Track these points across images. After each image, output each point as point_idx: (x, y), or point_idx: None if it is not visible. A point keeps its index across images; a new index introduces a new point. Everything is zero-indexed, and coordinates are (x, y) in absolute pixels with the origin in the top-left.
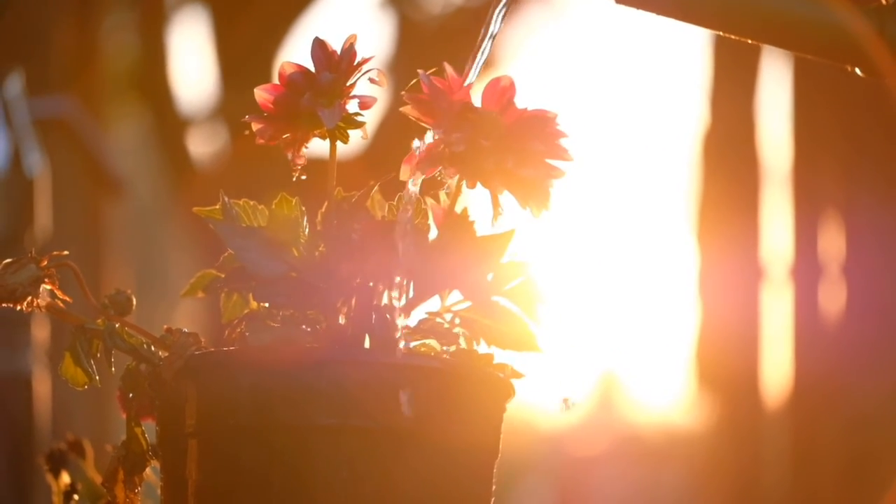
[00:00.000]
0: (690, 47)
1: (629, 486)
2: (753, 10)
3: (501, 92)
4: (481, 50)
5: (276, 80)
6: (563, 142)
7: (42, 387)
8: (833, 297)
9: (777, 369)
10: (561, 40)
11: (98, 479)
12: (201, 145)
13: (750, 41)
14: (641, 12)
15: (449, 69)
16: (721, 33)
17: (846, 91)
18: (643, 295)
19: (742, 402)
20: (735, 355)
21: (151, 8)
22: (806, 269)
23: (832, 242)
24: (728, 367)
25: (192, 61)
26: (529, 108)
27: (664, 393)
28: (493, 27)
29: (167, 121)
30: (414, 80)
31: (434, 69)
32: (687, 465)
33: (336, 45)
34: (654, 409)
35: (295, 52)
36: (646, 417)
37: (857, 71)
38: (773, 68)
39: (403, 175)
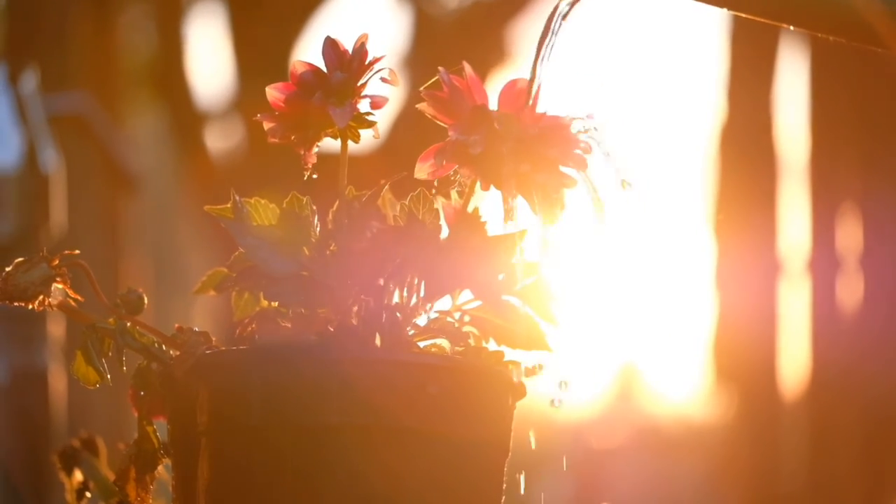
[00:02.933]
0: (707, 40)
1: (648, 477)
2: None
3: (518, 95)
4: (546, 48)
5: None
6: (578, 150)
7: (58, 383)
8: (850, 290)
9: (794, 362)
10: (577, 33)
11: (111, 476)
12: (217, 140)
13: (797, 28)
14: None
15: (468, 69)
16: (753, 17)
17: (863, 84)
18: (662, 288)
19: (760, 394)
20: (753, 348)
21: (167, 4)
22: (823, 262)
23: (849, 235)
24: (746, 360)
25: (208, 57)
26: (546, 114)
27: (683, 385)
28: (556, 24)
29: (183, 116)
30: (434, 79)
31: (457, 68)
32: (705, 457)
33: (348, 43)
34: (673, 401)
35: (312, 46)
36: (665, 409)
37: None
38: (790, 61)
39: (419, 173)
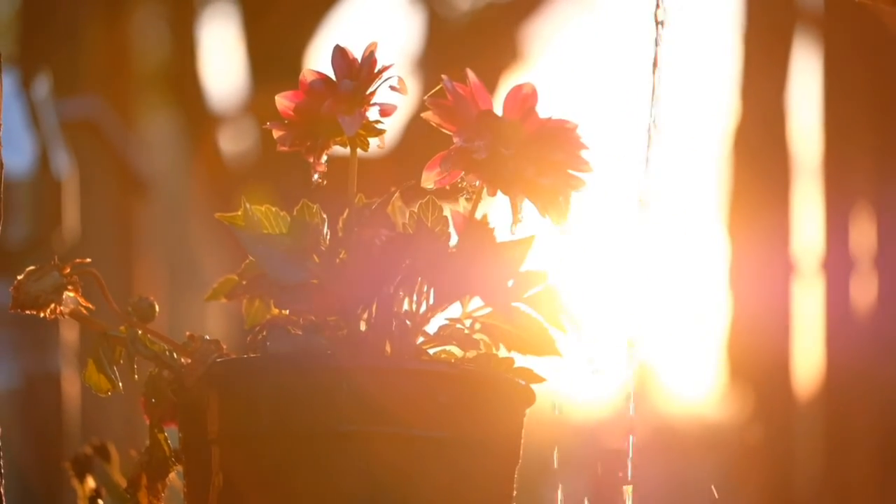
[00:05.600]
0: (721, 40)
1: (662, 476)
2: None
3: (523, 100)
4: (656, 41)
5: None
6: (585, 152)
7: (71, 388)
8: (864, 289)
9: (809, 361)
10: (589, 33)
11: (123, 483)
12: (230, 144)
13: None
14: None
15: (471, 75)
16: None
17: (877, 84)
18: (676, 288)
19: (774, 393)
20: (767, 347)
21: (179, 8)
22: (837, 262)
23: (863, 235)
24: (760, 360)
25: (220, 60)
26: (551, 118)
27: (697, 385)
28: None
29: (196, 120)
30: (437, 87)
31: (461, 75)
32: (720, 456)
33: (357, 51)
34: (688, 400)
35: (324, 48)
36: (679, 409)
37: None
38: (803, 60)
39: (426, 182)
